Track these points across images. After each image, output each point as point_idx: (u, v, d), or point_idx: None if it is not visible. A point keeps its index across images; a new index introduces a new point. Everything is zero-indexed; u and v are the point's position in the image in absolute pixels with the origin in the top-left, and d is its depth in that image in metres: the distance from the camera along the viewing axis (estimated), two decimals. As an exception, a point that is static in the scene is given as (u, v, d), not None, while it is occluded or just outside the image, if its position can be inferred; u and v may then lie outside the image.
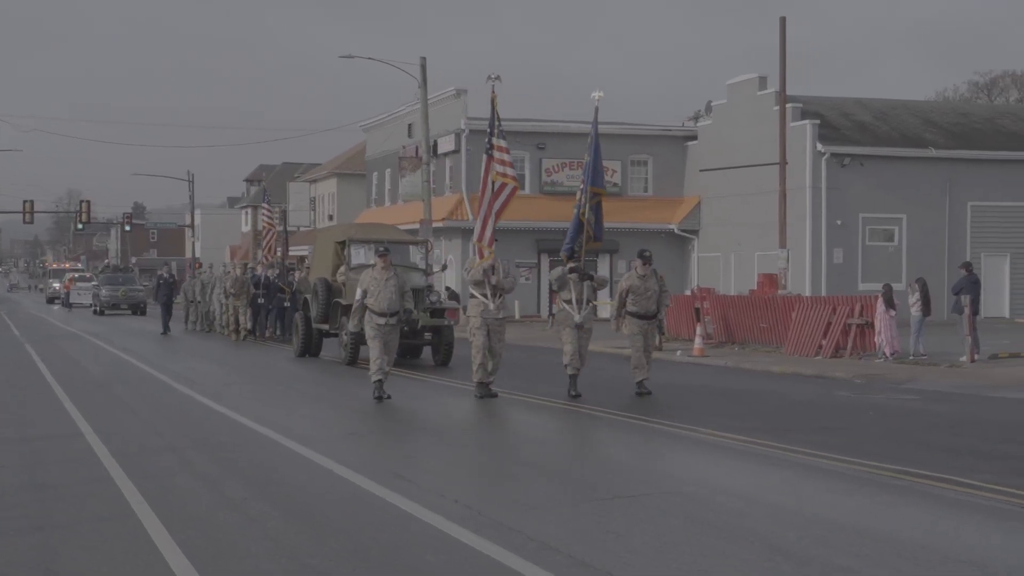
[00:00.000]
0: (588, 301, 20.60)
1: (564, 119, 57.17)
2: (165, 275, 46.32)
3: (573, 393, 19.93)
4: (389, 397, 19.61)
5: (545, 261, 54.65)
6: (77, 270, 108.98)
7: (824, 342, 30.24)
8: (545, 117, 56.65)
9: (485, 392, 19.99)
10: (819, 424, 17.23)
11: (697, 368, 28.18)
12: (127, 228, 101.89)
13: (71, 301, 78.23)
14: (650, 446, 15.38)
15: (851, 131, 49.10)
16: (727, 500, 11.27)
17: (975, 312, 28.38)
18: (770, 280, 41.48)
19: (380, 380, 19.68)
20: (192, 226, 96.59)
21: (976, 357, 27.64)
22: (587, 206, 21.20)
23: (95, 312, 65.34)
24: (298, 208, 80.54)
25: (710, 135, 54.78)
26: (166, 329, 42.68)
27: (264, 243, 47.06)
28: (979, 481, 12.03)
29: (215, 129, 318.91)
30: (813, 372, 26.67)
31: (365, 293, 19.87)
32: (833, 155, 47.37)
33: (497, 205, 20.96)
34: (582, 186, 21.79)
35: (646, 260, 21.02)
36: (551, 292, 53.68)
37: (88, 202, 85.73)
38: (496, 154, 21.01)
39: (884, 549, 9.14)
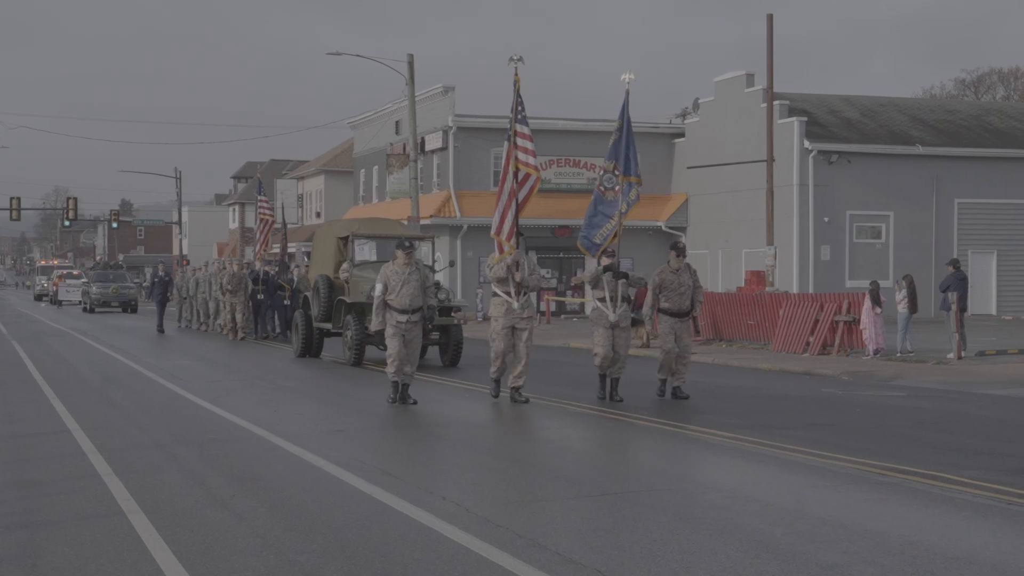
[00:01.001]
0: (623, 299, 19.43)
1: (551, 116, 57.14)
2: (161, 272, 45.12)
3: (617, 397, 19.20)
4: (415, 402, 18.69)
5: (532, 258, 54.58)
6: (66, 267, 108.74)
7: (811, 339, 30.30)
8: (532, 114, 56.53)
9: (497, 392, 19.42)
10: (807, 421, 17.25)
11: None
12: (114, 225, 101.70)
13: (60, 298, 77.97)
14: (639, 443, 15.39)
15: (838, 128, 49.17)
16: (715, 497, 11.28)
17: (962, 309, 28.45)
18: (757, 277, 41.54)
19: (397, 382, 18.83)
20: (179, 223, 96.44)
21: (963, 354, 27.71)
22: (630, 198, 19.97)
23: (85, 310, 64.98)
24: (286, 205, 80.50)
25: (698, 132, 54.81)
26: (161, 328, 41.85)
27: (259, 236, 45.60)
28: (967, 478, 12.06)
29: (202, 127, 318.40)
30: (800, 369, 26.70)
31: (386, 288, 18.72)
32: (820, 152, 47.43)
33: (520, 197, 19.55)
34: (601, 172, 20.64)
35: (680, 252, 19.85)
36: (540, 290, 53.75)
37: (75, 199, 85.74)
38: (519, 142, 19.58)
39: (872, 545, 9.15)
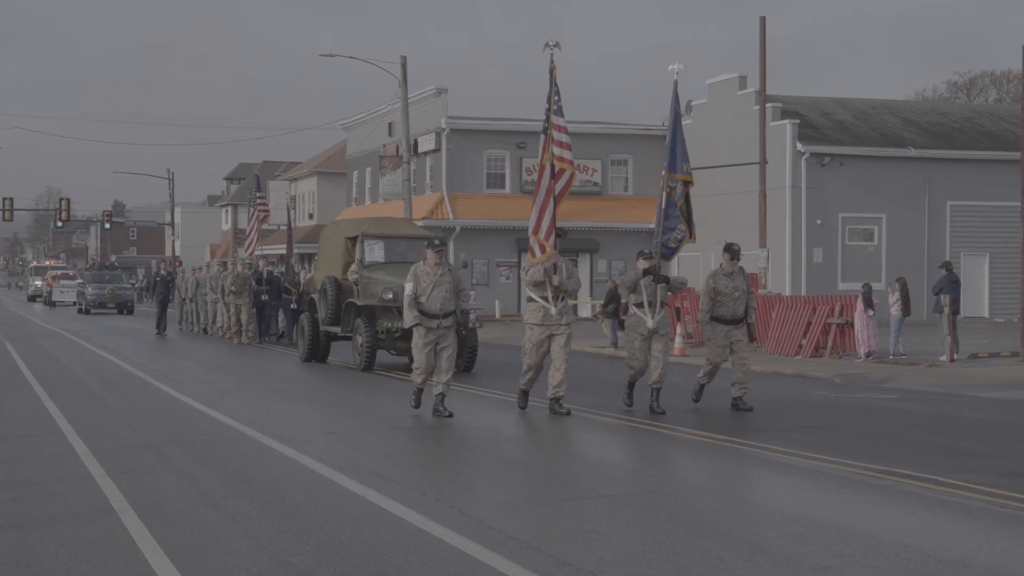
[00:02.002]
0: (662, 304, 18.19)
1: (544, 118, 57.08)
2: (163, 273, 43.73)
3: (659, 409, 17.89)
4: (451, 415, 17.22)
5: (525, 260, 54.63)
6: (60, 267, 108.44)
7: (804, 342, 30.30)
8: (525, 116, 56.69)
9: (525, 403, 18.05)
10: (800, 423, 17.25)
11: (677, 367, 28.08)
12: (107, 226, 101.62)
13: (54, 299, 77.57)
14: (632, 445, 15.39)
15: (831, 130, 49.22)
16: (708, 499, 11.29)
17: (955, 312, 28.49)
18: (751, 279, 41.50)
19: (422, 389, 17.68)
20: (172, 224, 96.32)
21: (956, 356, 27.74)
22: (681, 197, 18.30)
23: (80, 311, 64.29)
24: (278, 207, 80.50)
25: (690, 134, 54.24)
26: (161, 330, 40.76)
27: (249, 235, 44.04)
28: (960, 481, 12.07)
29: (196, 128, 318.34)
30: (793, 371, 26.69)
31: (416, 288, 17.40)
32: (813, 155, 47.49)
33: (557, 190, 18.11)
34: (664, 174, 18.63)
35: (734, 255, 18.62)
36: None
37: (68, 200, 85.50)
38: (555, 134, 18.24)
39: (865, 548, 9.15)
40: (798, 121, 48.03)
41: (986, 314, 49.13)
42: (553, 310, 17.66)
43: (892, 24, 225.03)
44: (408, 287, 17.53)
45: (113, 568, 8.57)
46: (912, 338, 30.87)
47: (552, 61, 18.38)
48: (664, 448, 15.09)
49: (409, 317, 17.52)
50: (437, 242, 17.89)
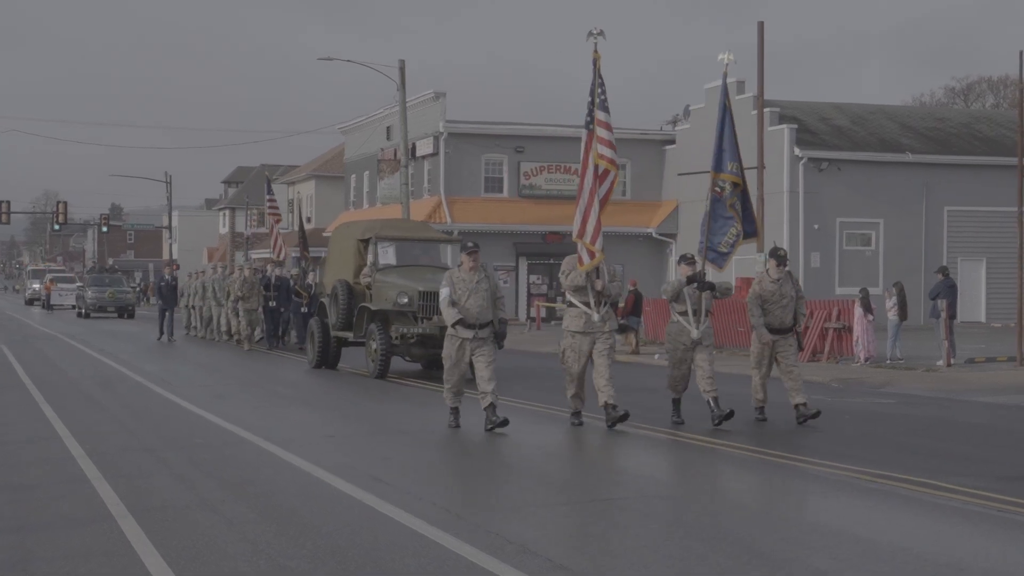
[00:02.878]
0: (707, 312, 17.09)
1: (542, 122, 57.27)
2: (167, 277, 43.59)
3: (719, 418, 16.83)
4: (506, 421, 16.02)
5: (523, 264, 54.74)
6: (58, 270, 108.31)
7: (802, 346, 30.29)
8: (523, 120, 56.84)
9: (579, 420, 16.85)
10: (796, 427, 17.25)
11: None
12: (104, 229, 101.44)
13: (52, 303, 77.40)
14: (628, 450, 15.38)
15: (828, 135, 49.28)
16: (705, 503, 11.30)
17: (952, 316, 28.51)
18: (748, 284, 41.50)
19: (457, 408, 16.51)
20: (169, 228, 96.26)
21: (953, 361, 27.75)
22: (731, 196, 17.10)
23: (79, 315, 63.97)
24: (281, 210, 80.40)
25: (688, 139, 54.84)
26: (163, 334, 39.73)
27: (273, 242, 43.27)
28: (957, 485, 12.07)
29: (193, 131, 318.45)
30: (791, 376, 26.64)
31: (451, 293, 16.14)
32: (810, 159, 47.56)
33: (600, 193, 16.92)
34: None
35: (781, 260, 17.77)
36: (530, 296, 53.81)
37: (65, 203, 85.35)
38: (599, 131, 16.97)
39: (862, 552, 9.16)
40: (796, 126, 48.11)
41: (983, 319, 49.19)
42: (595, 316, 16.42)
43: (890, 29, 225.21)
44: (443, 291, 16.30)
45: (110, 572, 8.57)
46: (909, 343, 30.89)
47: (596, 51, 17.13)
48: (660, 453, 15.10)
49: (450, 314, 16.17)
50: (471, 244, 16.53)
